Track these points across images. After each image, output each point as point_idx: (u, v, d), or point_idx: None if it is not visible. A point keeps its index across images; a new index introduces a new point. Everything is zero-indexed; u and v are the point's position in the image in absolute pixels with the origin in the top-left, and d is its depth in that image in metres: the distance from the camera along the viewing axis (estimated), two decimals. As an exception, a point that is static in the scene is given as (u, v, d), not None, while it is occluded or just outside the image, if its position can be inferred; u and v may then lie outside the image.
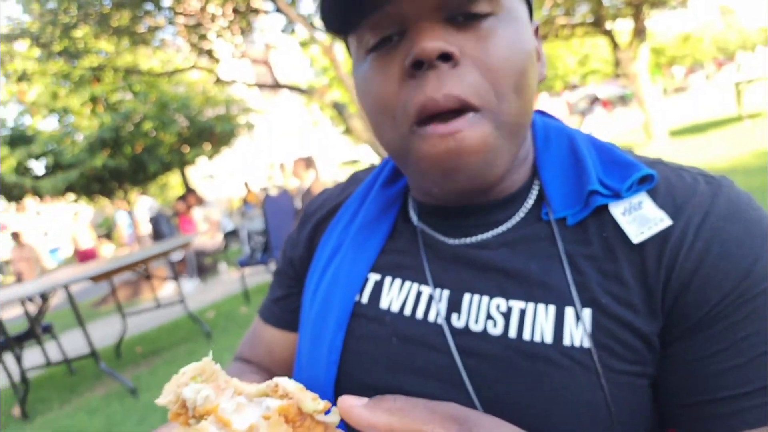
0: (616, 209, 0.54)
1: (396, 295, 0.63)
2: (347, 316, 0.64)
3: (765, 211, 0.53)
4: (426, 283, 0.61)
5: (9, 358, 4.19)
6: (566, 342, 0.52)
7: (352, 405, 0.40)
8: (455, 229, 0.62)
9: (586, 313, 0.52)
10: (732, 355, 0.48)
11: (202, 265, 8.26)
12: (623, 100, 23.57)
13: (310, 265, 0.74)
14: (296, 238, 0.79)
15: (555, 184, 0.59)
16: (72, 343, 5.48)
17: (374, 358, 0.61)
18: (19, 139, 9.43)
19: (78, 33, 6.63)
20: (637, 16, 9.22)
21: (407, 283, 0.63)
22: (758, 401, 0.47)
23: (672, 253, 0.51)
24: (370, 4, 0.51)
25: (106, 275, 4.09)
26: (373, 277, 0.65)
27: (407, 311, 0.61)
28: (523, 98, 0.52)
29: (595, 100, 20.35)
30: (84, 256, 10.10)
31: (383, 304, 0.63)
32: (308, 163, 6.57)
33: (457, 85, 0.49)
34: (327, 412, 0.39)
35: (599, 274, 0.53)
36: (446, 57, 0.49)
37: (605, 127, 14.76)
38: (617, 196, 0.54)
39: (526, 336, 0.53)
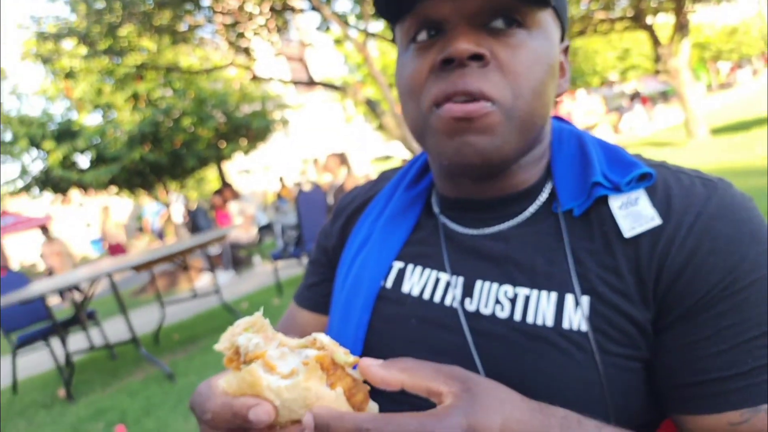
0: (615, 202, 0.60)
1: (417, 281, 0.70)
2: (373, 298, 0.72)
3: (758, 212, 0.57)
4: (444, 270, 0.68)
5: (55, 342, 4.41)
6: (565, 325, 0.58)
7: (370, 364, 0.46)
8: (473, 220, 0.69)
9: (585, 300, 0.58)
10: (717, 341, 0.53)
11: (237, 258, 8.46)
12: (664, 96, 22.94)
13: (341, 254, 0.81)
14: (330, 229, 0.87)
15: (564, 179, 0.65)
16: (114, 329, 5.72)
17: (396, 336, 0.68)
18: (65, 134, 9.81)
19: (122, 32, 6.87)
20: (679, 11, 8.98)
21: (427, 271, 0.70)
22: (741, 384, 0.52)
23: (664, 248, 0.56)
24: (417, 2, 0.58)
25: (147, 265, 4.27)
26: (397, 265, 0.73)
27: (426, 295, 0.68)
28: (538, 101, 0.59)
29: (634, 96, 19.83)
30: (114, 250, 10.36)
31: (405, 288, 0.70)
32: (341, 159, 6.66)
33: (479, 79, 0.56)
34: (355, 367, 0.46)
35: (598, 266, 0.59)
36: (477, 57, 0.56)
37: (644, 125, 14.39)
38: (617, 189, 0.60)
39: (530, 319, 0.59)
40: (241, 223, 8.34)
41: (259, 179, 23.32)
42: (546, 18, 0.59)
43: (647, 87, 23.39)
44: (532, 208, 0.66)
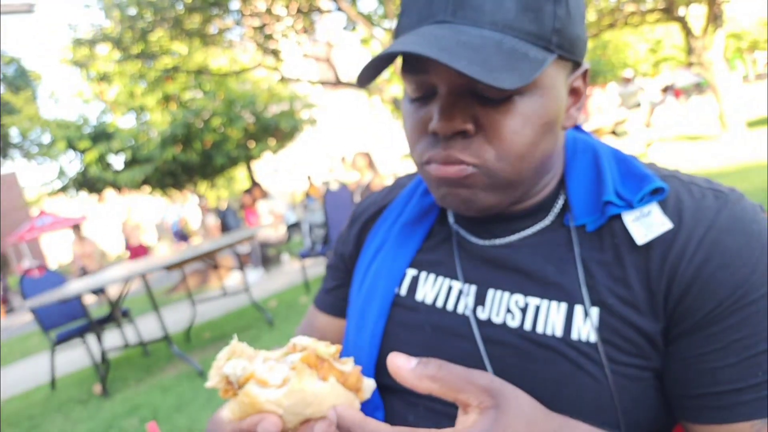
0: (628, 217, 0.60)
1: (430, 289, 0.72)
2: (388, 305, 0.73)
3: (766, 219, 0.57)
4: (457, 278, 0.70)
5: (91, 340, 4.54)
6: (574, 336, 0.59)
7: (400, 366, 0.47)
8: (486, 231, 0.70)
9: (594, 311, 0.58)
10: (727, 354, 0.54)
11: (266, 256, 8.58)
12: (699, 88, 22.31)
13: (357, 260, 0.83)
14: (346, 236, 0.89)
15: (578, 194, 0.65)
16: (147, 326, 5.87)
17: (410, 342, 0.70)
18: (101, 136, 10.09)
19: (154, 36, 7.04)
20: (713, 1, 8.71)
21: (440, 279, 0.71)
22: (752, 396, 0.53)
23: (674, 260, 0.56)
24: (413, 69, 0.59)
25: (179, 265, 4.37)
26: (411, 273, 0.75)
27: (439, 303, 0.70)
28: (526, 162, 0.59)
29: (667, 88, 19.32)
30: (135, 253, 10.45)
31: (419, 296, 0.72)
32: (368, 158, 6.68)
33: (461, 150, 0.58)
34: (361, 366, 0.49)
35: (608, 277, 0.59)
36: (460, 132, 0.58)
37: (677, 119, 14.02)
38: (630, 206, 0.60)
39: (539, 329, 0.61)
40: (270, 222, 8.45)
41: (287, 178, 23.55)
42: (545, 73, 0.57)
43: (681, 79, 22.73)
44: (544, 222, 0.67)
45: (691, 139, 10.25)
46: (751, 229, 0.56)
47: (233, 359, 0.48)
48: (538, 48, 0.55)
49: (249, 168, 12.70)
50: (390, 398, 0.71)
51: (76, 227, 10.49)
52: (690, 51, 9.47)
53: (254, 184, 10.55)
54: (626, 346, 0.57)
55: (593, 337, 0.58)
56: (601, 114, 10.02)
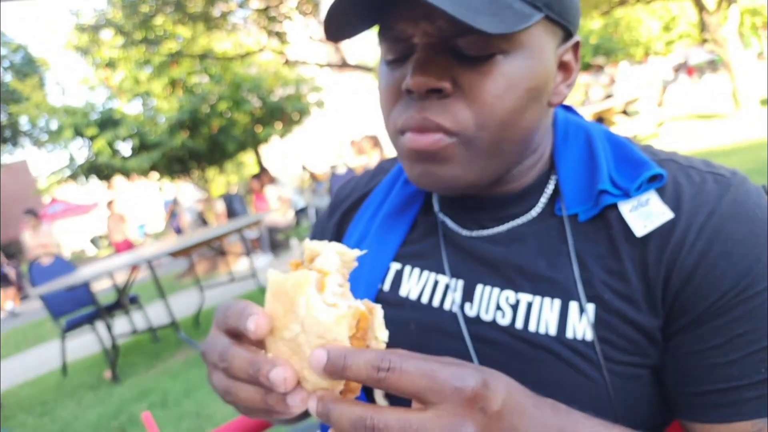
0: (625, 206, 0.56)
1: (415, 284, 0.67)
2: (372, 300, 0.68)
3: None
4: (443, 272, 0.65)
5: (101, 327, 4.59)
6: (569, 335, 0.55)
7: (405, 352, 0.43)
8: (472, 221, 0.66)
9: (590, 307, 0.54)
10: (729, 350, 0.50)
11: (275, 241, 8.59)
12: (713, 65, 21.91)
13: None
14: (325, 224, 0.83)
15: (570, 180, 0.61)
16: (158, 313, 5.91)
17: (396, 341, 0.64)
18: (107, 123, 10.09)
19: (157, 21, 6.98)
20: (728, -25, 8.49)
21: (425, 273, 0.67)
22: (753, 394, 0.50)
23: (674, 250, 0.52)
24: (386, 19, 0.54)
25: (185, 251, 4.38)
26: (395, 267, 0.70)
27: (425, 299, 0.65)
28: (508, 130, 0.54)
29: (680, 66, 19.00)
30: (120, 249, 10.10)
31: (403, 292, 0.67)
32: (374, 142, 6.63)
33: (438, 113, 0.53)
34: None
35: (604, 271, 0.55)
36: (436, 90, 0.52)
37: (690, 96, 13.80)
38: (626, 194, 0.56)
39: (532, 327, 0.56)
40: (278, 207, 8.45)
41: (295, 162, 23.55)
42: (532, 33, 0.53)
43: (694, 57, 22.33)
44: (534, 211, 0.62)
45: (703, 118, 10.08)
46: (755, 214, 0.52)
47: (339, 258, 0.46)
48: (523, 2, 0.50)
49: (257, 153, 12.69)
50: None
51: (110, 202, 10.44)
52: (703, 27, 9.27)
53: (262, 169, 10.53)
54: (624, 344, 0.54)
55: (589, 335, 0.54)
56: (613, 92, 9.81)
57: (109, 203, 10.43)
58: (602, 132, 0.64)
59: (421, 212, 0.73)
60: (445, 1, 0.45)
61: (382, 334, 0.44)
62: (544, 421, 0.43)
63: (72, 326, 4.54)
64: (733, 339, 0.50)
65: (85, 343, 5.59)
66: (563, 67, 0.59)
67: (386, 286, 0.69)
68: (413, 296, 0.67)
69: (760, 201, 0.53)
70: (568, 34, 0.57)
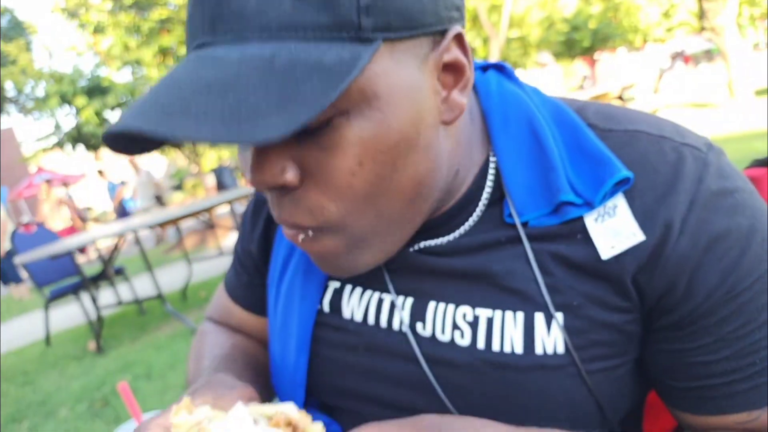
0: (590, 218, 0.47)
1: (357, 304, 0.59)
2: (310, 326, 0.61)
3: (751, 186, 0.47)
4: (387, 290, 0.57)
5: (86, 298, 4.53)
6: (538, 350, 0.48)
7: None
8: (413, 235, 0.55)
9: (558, 317, 0.48)
10: (719, 347, 0.46)
11: (265, 217, 8.52)
12: (708, 55, 21.88)
13: (269, 262, 0.69)
14: (250, 231, 0.71)
15: (517, 178, 0.50)
16: (144, 285, 5.85)
17: (344, 364, 0.59)
18: (95, 90, 9.89)
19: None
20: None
21: (368, 292, 0.58)
22: (747, 386, 0.47)
23: (654, 252, 0.46)
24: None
25: (173, 221, 4.31)
26: (333, 285, 0.61)
27: (370, 320, 0.57)
28: (388, 206, 0.44)
29: (677, 55, 18.95)
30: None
31: (345, 313, 0.59)
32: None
33: (291, 211, 0.45)
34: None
35: (569, 272, 0.48)
36: (282, 186, 0.43)
37: (686, 84, 13.80)
38: (589, 205, 0.47)
39: (495, 347, 0.50)
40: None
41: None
42: (372, 71, 0.39)
43: (692, 46, 22.26)
44: (475, 216, 0.53)
45: (697, 106, 10.08)
46: (736, 200, 0.45)
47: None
48: (341, 43, 0.37)
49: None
50: (338, 417, 0.62)
51: (132, 163, 10.01)
52: (702, 14, 9.21)
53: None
54: (600, 351, 0.48)
55: (561, 348, 0.48)
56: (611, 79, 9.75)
57: (132, 164, 9.87)
58: (547, 113, 0.52)
59: None
60: (195, 126, 0.33)
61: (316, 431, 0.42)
62: None
63: (56, 296, 4.47)
64: (724, 336, 0.46)
65: (70, 314, 5.53)
66: (449, 69, 0.45)
67: (325, 307, 0.61)
68: (358, 317, 0.58)
69: (738, 182, 0.46)
70: (438, 33, 0.43)
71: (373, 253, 0.48)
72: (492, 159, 0.53)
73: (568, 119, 0.51)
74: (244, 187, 7.24)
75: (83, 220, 10.39)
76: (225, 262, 6.33)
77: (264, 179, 0.42)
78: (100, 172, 10.75)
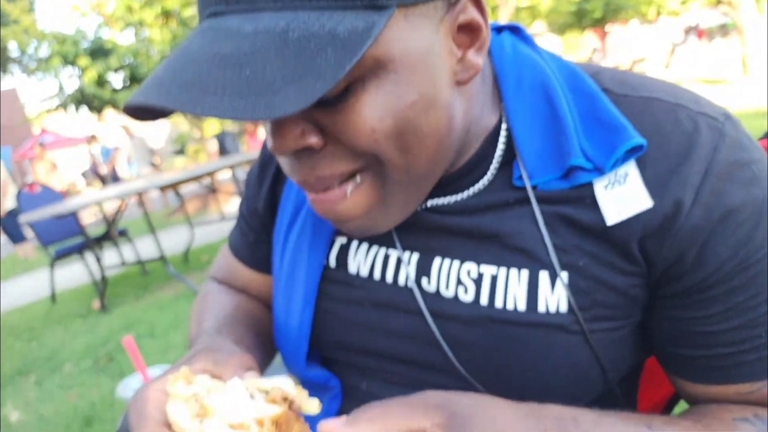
0: (599, 184, 0.48)
1: (363, 259, 0.60)
2: (316, 281, 0.62)
3: (766, 158, 0.47)
4: (393, 246, 0.58)
5: (91, 258, 4.58)
6: (541, 309, 0.50)
7: (334, 428, 0.41)
8: None
9: (563, 276, 0.49)
10: (727, 317, 0.47)
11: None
12: (723, 30, 21.42)
13: (275, 221, 0.70)
14: (257, 189, 0.72)
15: (528, 142, 0.51)
16: (148, 247, 5.91)
17: (349, 319, 0.60)
18: (98, 52, 9.78)
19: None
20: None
21: (374, 247, 0.60)
22: (753, 357, 0.47)
23: (666, 221, 0.46)
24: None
25: (174, 186, 4.32)
26: (339, 241, 0.62)
27: (376, 275, 0.59)
28: (415, 152, 0.45)
29: (691, 29, 18.55)
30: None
31: (351, 268, 0.61)
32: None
33: (327, 166, 0.45)
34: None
35: (576, 233, 0.49)
36: (305, 148, 0.44)
37: (698, 59, 13.55)
38: (599, 170, 0.47)
39: (498, 303, 0.51)
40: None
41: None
42: (387, 37, 0.39)
43: (706, 20, 21.79)
44: (486, 178, 0.53)
45: (710, 82, 9.92)
46: (752, 172, 0.45)
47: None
48: (355, 11, 0.37)
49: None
50: (339, 371, 0.64)
51: (126, 128, 9.94)
52: (718, -14, 8.98)
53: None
54: (603, 312, 0.49)
55: (564, 306, 0.49)
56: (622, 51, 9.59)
57: (126, 129, 9.77)
58: (562, 76, 0.52)
59: None
60: (213, 101, 0.35)
61: (314, 407, 0.44)
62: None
63: (61, 255, 4.54)
64: (734, 307, 0.46)
65: (75, 274, 5.61)
66: (464, 30, 0.45)
67: (332, 262, 0.62)
68: (364, 273, 0.60)
69: (753, 154, 0.46)
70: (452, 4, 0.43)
71: (399, 208, 0.49)
72: (504, 121, 0.53)
73: (584, 84, 0.50)
74: (246, 153, 7.22)
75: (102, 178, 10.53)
76: (227, 227, 6.37)
77: (286, 144, 0.43)
78: (93, 137, 10.68)
